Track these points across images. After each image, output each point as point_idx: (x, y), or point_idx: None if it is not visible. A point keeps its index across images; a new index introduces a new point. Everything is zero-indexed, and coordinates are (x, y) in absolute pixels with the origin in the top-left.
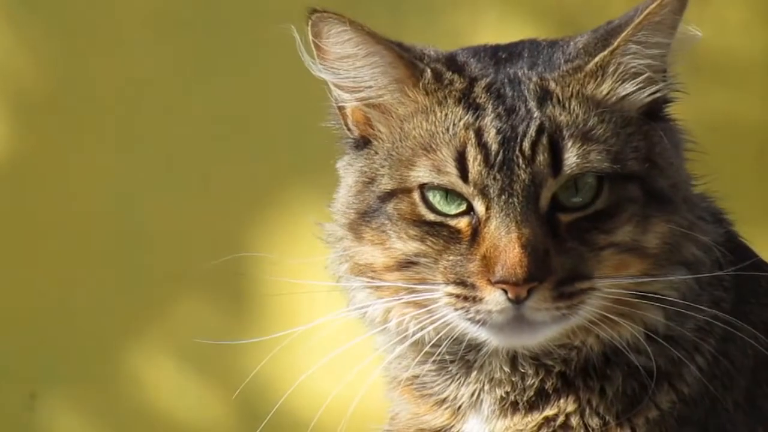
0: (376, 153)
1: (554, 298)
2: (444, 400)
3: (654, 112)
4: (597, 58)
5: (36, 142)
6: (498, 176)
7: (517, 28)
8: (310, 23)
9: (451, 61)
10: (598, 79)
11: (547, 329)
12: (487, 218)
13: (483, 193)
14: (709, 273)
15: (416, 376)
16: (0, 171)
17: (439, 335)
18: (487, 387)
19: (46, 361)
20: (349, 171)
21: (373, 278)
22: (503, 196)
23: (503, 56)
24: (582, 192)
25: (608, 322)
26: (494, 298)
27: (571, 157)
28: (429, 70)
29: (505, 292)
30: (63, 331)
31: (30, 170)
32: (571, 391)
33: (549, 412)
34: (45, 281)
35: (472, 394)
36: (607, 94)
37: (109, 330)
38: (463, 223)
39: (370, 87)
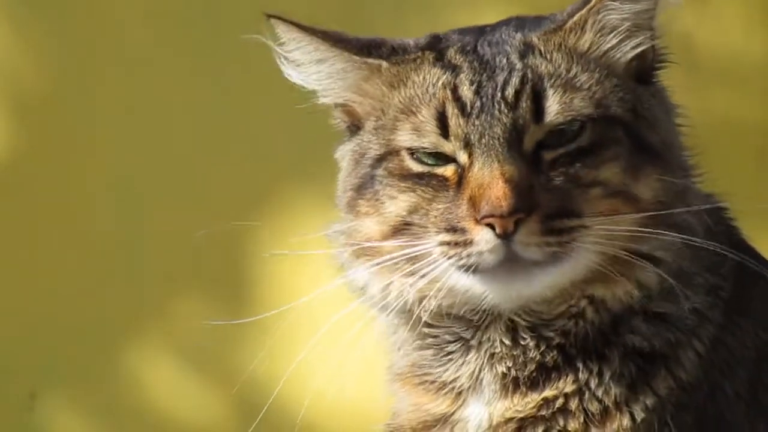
0: (365, 132)
1: (543, 232)
2: (444, 385)
3: (643, 75)
4: (576, 16)
5: (36, 142)
6: (477, 122)
7: None
8: (270, 30)
9: (430, 40)
10: (578, 33)
11: (542, 272)
12: (471, 163)
13: (465, 142)
14: (702, 242)
15: (416, 365)
16: (0, 171)
17: (439, 302)
18: (487, 365)
19: (46, 361)
20: (344, 156)
21: (371, 256)
22: (484, 139)
23: (487, 29)
24: (565, 133)
25: (602, 280)
26: (483, 237)
27: (553, 105)
28: (384, 63)
29: (493, 228)
30: (63, 331)
31: (30, 170)
32: (570, 369)
33: (548, 392)
34: (45, 281)
35: (472, 374)
36: (590, 47)
37: (109, 330)
38: (449, 170)
39: (336, 88)
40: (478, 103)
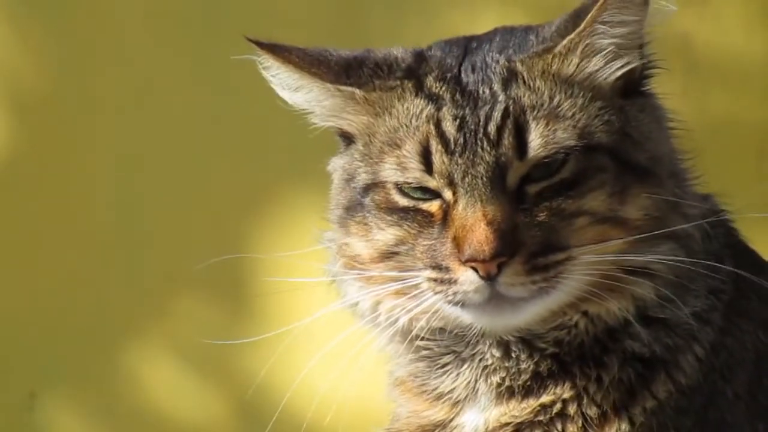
0: (355, 151)
1: (527, 271)
2: (442, 395)
3: (631, 88)
4: (565, 41)
5: (36, 142)
6: (460, 161)
7: None
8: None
9: (415, 58)
10: (566, 59)
11: (528, 306)
12: (455, 201)
13: (449, 180)
14: (700, 248)
15: (413, 375)
16: (0, 171)
17: (429, 324)
18: (482, 376)
19: (46, 361)
20: (335, 170)
21: (362, 270)
22: (467, 179)
23: (473, 46)
24: (549, 166)
25: (596, 298)
26: (467, 278)
27: (536, 140)
28: (358, 91)
29: (476, 270)
30: (63, 331)
31: (30, 170)
32: (567, 376)
33: (545, 398)
34: (45, 281)
35: (468, 385)
36: (575, 70)
37: (109, 330)
38: (434, 206)
39: (320, 113)
40: (461, 140)
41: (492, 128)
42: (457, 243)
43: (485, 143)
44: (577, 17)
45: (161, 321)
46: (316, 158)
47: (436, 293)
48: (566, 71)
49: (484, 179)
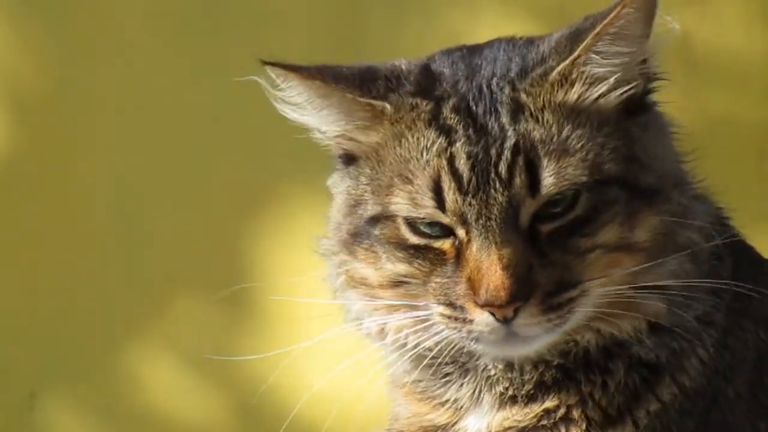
0: (360, 174)
1: (543, 311)
2: (445, 402)
3: (633, 106)
4: (560, 67)
5: (35, 142)
6: (473, 202)
7: (516, 28)
8: (265, 75)
9: (424, 75)
10: (566, 86)
11: (540, 339)
12: (469, 241)
13: (461, 219)
14: (706, 256)
15: (415, 381)
16: (0, 171)
17: (438, 347)
18: (485, 387)
19: (46, 361)
20: (338, 189)
21: (369, 294)
22: (481, 220)
23: (477, 63)
24: (561, 202)
25: (608, 318)
26: (483, 320)
27: (548, 177)
28: (388, 106)
29: (493, 313)
30: (63, 331)
31: (30, 170)
32: (572, 384)
33: (549, 403)
34: (45, 281)
35: (472, 395)
36: (578, 98)
37: (109, 330)
38: (447, 244)
39: (334, 129)
40: (474, 181)
41: (503, 167)
42: (472, 285)
43: (497, 183)
44: (574, 38)
45: (161, 321)
46: (316, 159)
47: (449, 328)
48: (570, 99)
49: (498, 221)
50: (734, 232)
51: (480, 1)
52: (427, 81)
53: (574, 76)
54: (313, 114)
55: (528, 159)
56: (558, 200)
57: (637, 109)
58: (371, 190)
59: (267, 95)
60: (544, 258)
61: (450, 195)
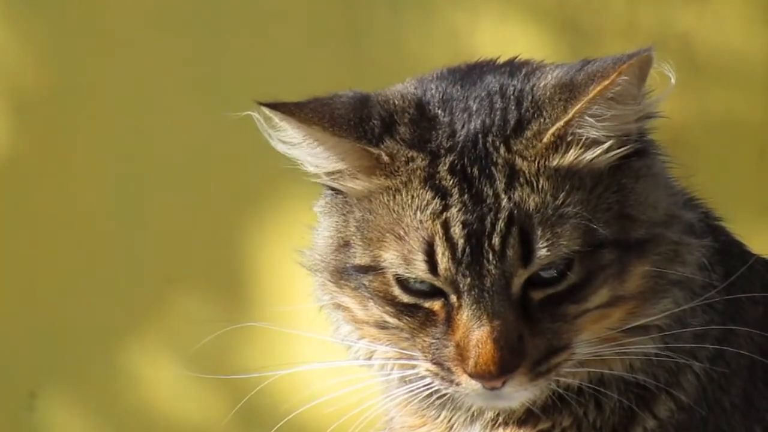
0: (350, 212)
1: (531, 379)
2: (437, 418)
3: (627, 156)
4: (553, 129)
5: (35, 142)
6: (467, 272)
7: (516, 28)
8: (263, 114)
9: (418, 117)
10: (561, 149)
11: (525, 396)
12: (459, 306)
13: (453, 286)
14: (700, 284)
15: (407, 400)
16: (0, 170)
17: (427, 390)
18: (476, 412)
19: (46, 360)
20: (325, 220)
21: (353, 322)
22: (473, 291)
23: (474, 107)
24: (554, 269)
25: (597, 361)
26: (470, 386)
27: (542, 248)
28: (384, 155)
29: (482, 382)
30: (63, 331)
31: (29, 170)
32: (564, 407)
33: (543, 425)
34: (45, 281)
35: (466, 418)
36: (574, 161)
37: (109, 330)
38: (437, 305)
39: (328, 170)
40: (468, 250)
41: (497, 240)
42: (461, 353)
43: (491, 255)
44: (570, 95)
45: (161, 321)
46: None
47: (436, 382)
48: (564, 163)
49: (491, 292)
50: (722, 232)
51: (480, 1)
52: (421, 125)
53: (568, 138)
54: (307, 153)
55: (522, 230)
56: (551, 270)
57: (631, 155)
58: (361, 237)
59: (260, 130)
60: (534, 327)
61: (444, 262)
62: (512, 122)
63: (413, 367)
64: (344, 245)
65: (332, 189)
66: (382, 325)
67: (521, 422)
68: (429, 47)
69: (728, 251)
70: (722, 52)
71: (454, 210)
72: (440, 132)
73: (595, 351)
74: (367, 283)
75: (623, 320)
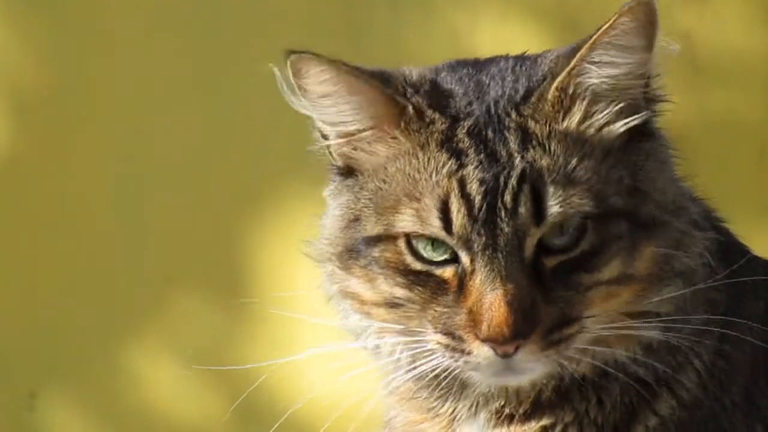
0: (361, 189)
1: (543, 348)
2: (441, 413)
3: (637, 134)
4: (557, 81)
5: (36, 142)
6: (482, 230)
7: (517, 28)
8: (289, 63)
9: (435, 90)
10: (566, 104)
11: (536, 371)
12: (472, 271)
13: (467, 245)
14: (702, 277)
15: (411, 390)
16: (0, 171)
17: (434, 371)
18: (482, 401)
19: (46, 360)
20: (335, 201)
21: (359, 309)
22: (487, 251)
23: (485, 81)
24: (566, 234)
25: (602, 345)
26: (482, 353)
27: (553, 206)
28: (410, 107)
29: (494, 348)
30: (63, 331)
31: (30, 170)
32: (567, 402)
33: (546, 421)
34: (45, 281)
35: (469, 409)
36: (582, 123)
37: (109, 329)
38: (449, 272)
39: (352, 124)
40: (484, 208)
41: (509, 197)
42: (474, 318)
43: (503, 213)
44: (572, 53)
45: (161, 321)
46: (317, 161)
47: (445, 357)
48: (572, 124)
49: (504, 253)
50: (725, 231)
51: (480, 1)
52: (438, 95)
53: (571, 90)
54: (332, 106)
55: (534, 187)
56: (563, 232)
57: (640, 136)
58: (373, 208)
59: (281, 87)
60: (547, 294)
61: (459, 218)
62: (522, 90)
63: (422, 344)
64: (354, 220)
65: (342, 168)
66: (391, 303)
67: (525, 417)
68: (429, 47)
69: (730, 250)
70: (722, 52)
71: (470, 168)
72: (457, 101)
73: (603, 329)
74: (377, 255)
75: (630, 303)
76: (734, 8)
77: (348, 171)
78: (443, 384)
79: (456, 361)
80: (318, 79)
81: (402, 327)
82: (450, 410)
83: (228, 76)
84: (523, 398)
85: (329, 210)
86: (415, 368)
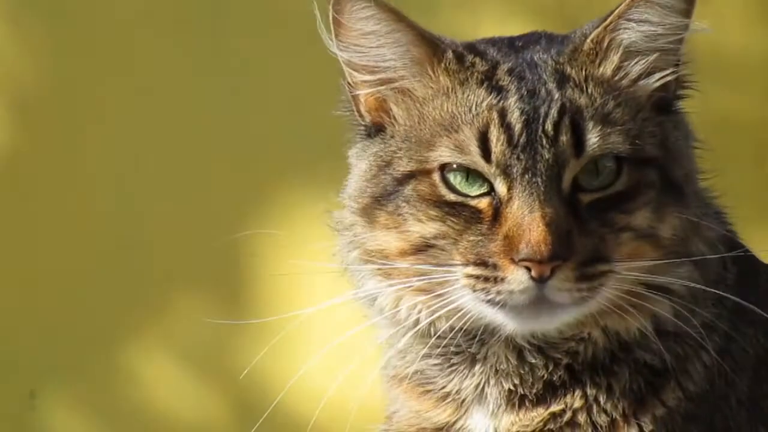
0: (392, 137)
1: (577, 278)
2: (447, 395)
3: (665, 105)
4: (593, 34)
5: (35, 142)
6: (522, 156)
7: (518, 28)
8: (323, 18)
9: (472, 47)
10: (600, 54)
11: (565, 313)
12: (509, 198)
13: (505, 173)
14: (714, 269)
15: (418, 371)
16: (0, 171)
17: (450, 323)
18: (492, 380)
19: (46, 360)
20: (362, 157)
21: (381, 267)
22: (527, 176)
23: (519, 44)
24: (602, 174)
25: (618, 314)
26: (517, 278)
27: (592, 138)
28: (450, 51)
29: (529, 270)
30: (63, 330)
31: (30, 170)
32: (577, 386)
33: (555, 407)
34: (45, 281)
35: (476, 387)
36: (617, 71)
37: (109, 329)
38: (484, 203)
39: (391, 66)
40: (524, 136)
41: (550, 125)
42: (511, 241)
43: (544, 140)
44: (607, 15)
45: (160, 320)
46: (317, 159)
47: (474, 291)
48: (607, 71)
49: (544, 178)
50: (741, 245)
51: (482, 2)
52: (476, 49)
53: (606, 42)
54: (370, 48)
55: (573, 120)
56: (599, 169)
57: (668, 108)
58: (406, 147)
59: (320, 27)
60: (582, 227)
61: (498, 146)
62: (558, 47)
63: (447, 291)
64: (386, 165)
65: (369, 129)
66: (418, 247)
67: (536, 401)
68: None
69: (743, 257)
70: (722, 52)
71: (511, 100)
72: (494, 53)
73: (627, 279)
74: (410, 192)
75: (647, 272)
76: (734, 8)
77: (376, 129)
78: (454, 357)
79: (486, 293)
80: (360, 15)
81: (426, 278)
82: (456, 388)
83: (230, 76)
84: (537, 377)
85: (354, 169)
86: (433, 322)
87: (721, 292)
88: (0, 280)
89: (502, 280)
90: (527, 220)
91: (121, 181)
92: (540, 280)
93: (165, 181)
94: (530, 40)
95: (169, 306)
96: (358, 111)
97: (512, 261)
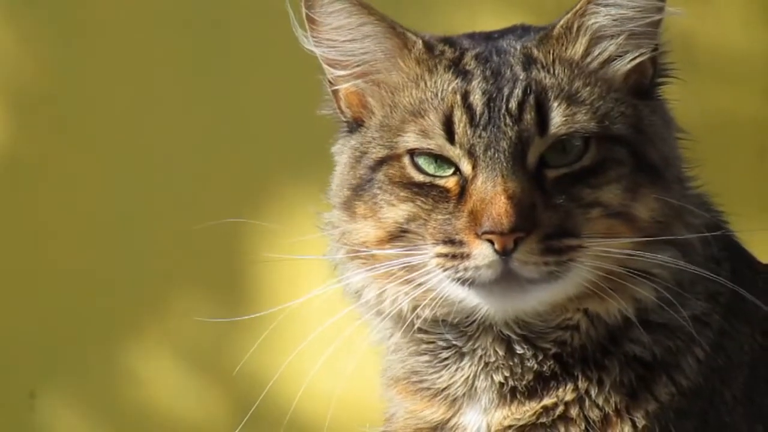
0: (368, 129)
1: (542, 251)
2: (439, 392)
3: (643, 90)
4: (563, 20)
5: (36, 142)
6: (483, 134)
7: None
8: (297, 17)
9: (445, 39)
10: (570, 38)
11: (536, 289)
12: (474, 176)
13: (469, 152)
14: (701, 257)
15: (412, 371)
16: (0, 170)
17: (434, 312)
18: (482, 373)
19: (46, 361)
20: (342, 152)
21: (367, 260)
22: (489, 152)
23: (496, 36)
24: (569, 153)
25: (597, 295)
26: (481, 252)
27: (557, 117)
28: (421, 41)
29: (492, 243)
30: (63, 331)
31: (30, 169)
32: (569, 378)
33: (547, 401)
34: (45, 281)
35: (466, 381)
36: (586, 54)
37: (109, 329)
38: (451, 182)
39: (363, 58)
40: (486, 115)
41: (514, 104)
42: (475, 216)
43: (508, 119)
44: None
45: (160, 319)
46: (315, 158)
47: (445, 269)
48: (577, 54)
49: (506, 154)
50: (732, 237)
51: (478, 1)
52: (448, 39)
53: (575, 26)
54: (347, 41)
55: (538, 99)
56: (566, 147)
57: (645, 93)
58: (379, 135)
59: (295, 28)
60: (547, 200)
61: (460, 127)
62: (534, 34)
63: (422, 272)
64: (361, 156)
65: (350, 124)
66: (393, 234)
67: (528, 394)
68: None
69: (736, 252)
70: (722, 52)
71: (474, 83)
72: (465, 43)
73: (602, 255)
74: (382, 177)
75: (627, 254)
76: (734, 8)
77: (356, 123)
78: (443, 352)
79: (456, 271)
80: (331, 9)
81: (402, 262)
82: (446, 383)
83: (229, 76)
84: (527, 368)
85: (337, 165)
86: (415, 309)
87: (711, 275)
88: (0, 280)
89: (468, 255)
90: (490, 194)
91: (122, 181)
92: (504, 253)
93: (165, 182)
94: (507, 31)
95: (168, 306)
96: (339, 107)
97: (476, 235)
